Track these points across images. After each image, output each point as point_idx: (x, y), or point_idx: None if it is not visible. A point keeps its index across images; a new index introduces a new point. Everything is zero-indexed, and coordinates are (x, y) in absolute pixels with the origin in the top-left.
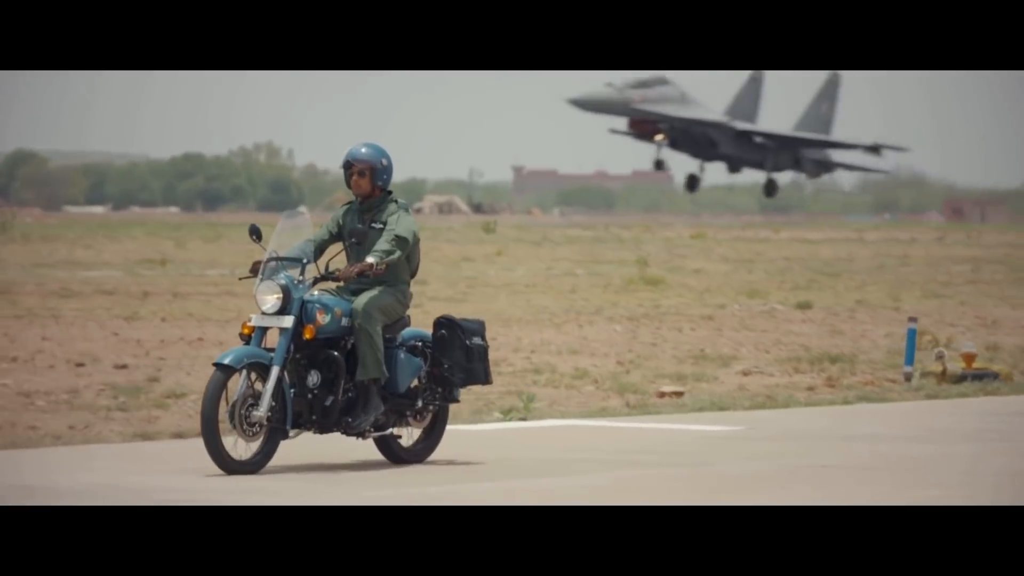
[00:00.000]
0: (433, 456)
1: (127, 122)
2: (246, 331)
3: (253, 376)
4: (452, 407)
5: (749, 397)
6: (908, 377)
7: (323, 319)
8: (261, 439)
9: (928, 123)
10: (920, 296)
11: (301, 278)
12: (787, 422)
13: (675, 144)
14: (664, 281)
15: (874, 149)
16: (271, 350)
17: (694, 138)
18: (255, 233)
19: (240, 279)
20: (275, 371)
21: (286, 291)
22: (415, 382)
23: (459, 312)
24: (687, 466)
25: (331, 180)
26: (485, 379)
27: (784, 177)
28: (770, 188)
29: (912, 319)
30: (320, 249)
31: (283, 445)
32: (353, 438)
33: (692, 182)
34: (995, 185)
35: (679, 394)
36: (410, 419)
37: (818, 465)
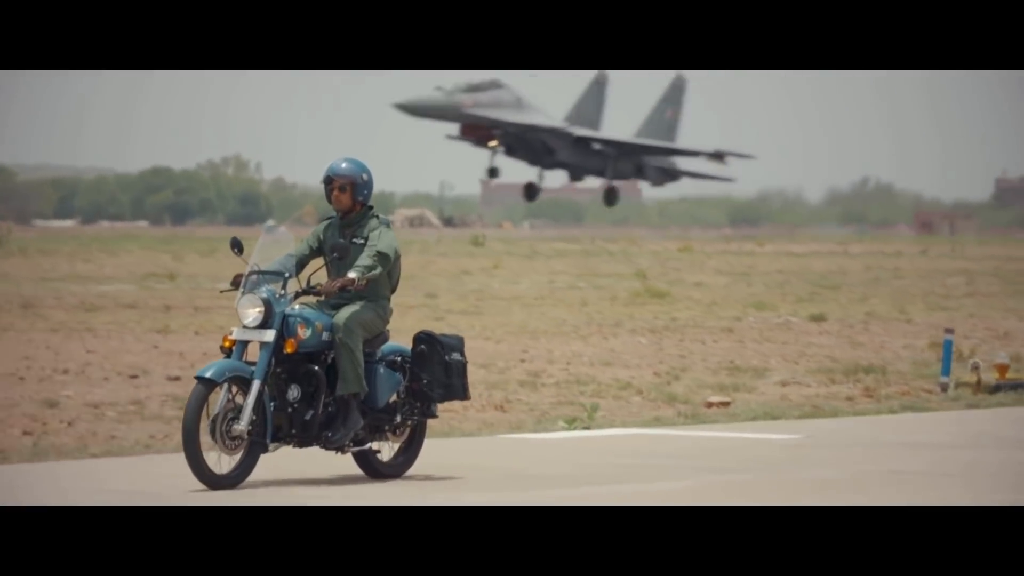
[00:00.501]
0: (411, 470)
1: (93, 135)
2: (227, 344)
3: (234, 390)
4: (514, 419)
5: (795, 407)
6: (944, 387)
7: (304, 333)
8: (241, 453)
9: (891, 135)
10: (925, 309)
11: (283, 292)
12: (843, 430)
13: (511, 151)
14: (670, 294)
15: (718, 156)
16: (252, 363)
17: (530, 145)
18: (236, 246)
19: (221, 292)
20: (256, 385)
21: (268, 305)
22: (394, 397)
23: (481, 325)
24: (766, 471)
25: (299, 193)
26: (463, 395)
27: (751, 190)
28: (610, 197)
29: (948, 331)
30: (301, 263)
31: (262, 458)
32: (332, 452)
33: (531, 191)
34: (961, 197)
35: (726, 404)
36: (389, 434)
37: (890, 471)
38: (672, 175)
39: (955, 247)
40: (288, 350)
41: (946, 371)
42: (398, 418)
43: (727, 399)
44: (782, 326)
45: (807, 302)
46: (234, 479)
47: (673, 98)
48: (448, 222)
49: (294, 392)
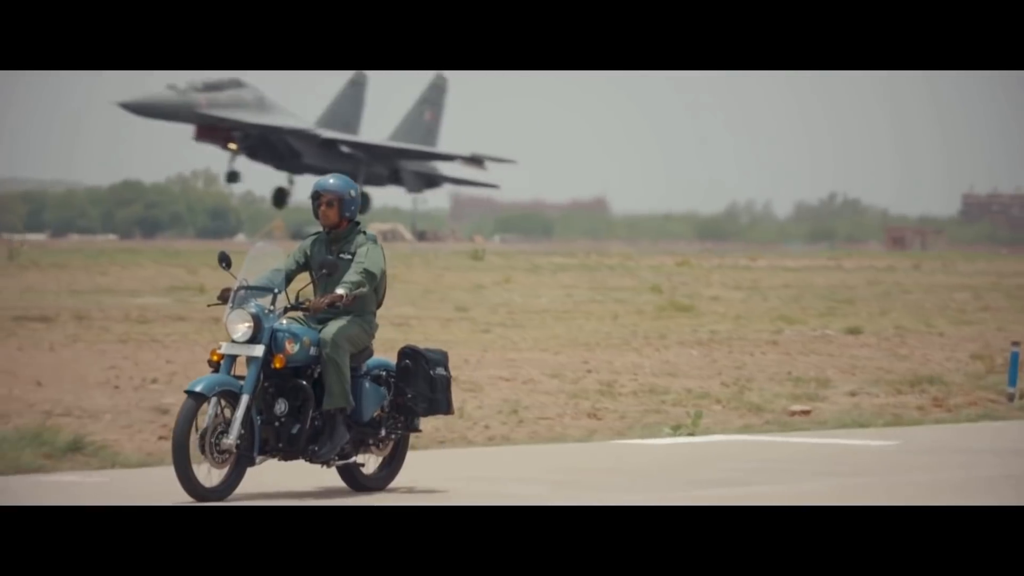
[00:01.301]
0: (394, 483)
1: (63, 148)
2: (215, 358)
3: (223, 403)
4: (613, 426)
5: (876, 416)
6: (1011, 397)
7: (292, 348)
8: (229, 466)
9: (856, 150)
10: (949, 323)
11: (271, 307)
12: (935, 438)
13: (254, 154)
14: (694, 308)
15: (476, 161)
16: (240, 378)
17: (274, 147)
18: (224, 261)
19: (209, 306)
20: (245, 399)
21: (257, 320)
22: (378, 411)
23: (533, 338)
24: (888, 474)
25: (268, 207)
26: (447, 409)
27: (718, 205)
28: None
29: (1015, 344)
30: (288, 278)
31: (248, 471)
32: (316, 465)
33: (280, 196)
34: (927, 212)
35: (807, 413)
36: (373, 447)
37: (1004, 476)
38: (432, 181)
39: (946, 263)
40: (276, 365)
41: (1013, 382)
42: (382, 432)
43: (808, 408)
44: (820, 339)
45: (829, 316)
46: (222, 492)
47: (433, 99)
48: (421, 236)
49: (281, 406)
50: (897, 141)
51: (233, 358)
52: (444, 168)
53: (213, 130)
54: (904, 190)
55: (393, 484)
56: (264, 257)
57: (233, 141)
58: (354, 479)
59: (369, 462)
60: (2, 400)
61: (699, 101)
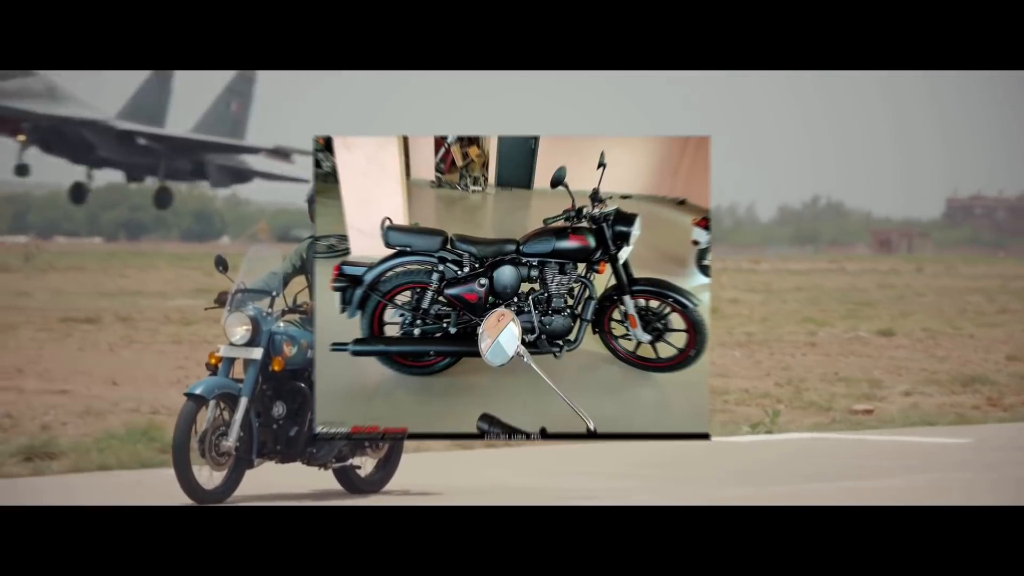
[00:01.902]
0: (389, 485)
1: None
2: (213, 361)
3: (222, 406)
4: None
5: (940, 415)
6: None
7: (290, 351)
8: (227, 469)
9: (839, 152)
10: (975, 325)
11: (269, 310)
12: (1009, 436)
13: (47, 146)
14: (719, 310)
15: (283, 154)
16: (239, 380)
17: (67, 139)
18: (221, 264)
19: (206, 309)
20: (244, 402)
21: (255, 323)
22: None
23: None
24: (983, 470)
25: (254, 210)
26: None
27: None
28: (161, 198)
29: None
30: (285, 281)
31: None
32: (313, 468)
33: (77, 192)
34: (911, 216)
35: (869, 412)
36: (368, 450)
37: None
38: (240, 176)
39: (948, 266)
40: (275, 368)
41: None
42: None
43: (870, 407)
44: (855, 340)
45: (852, 318)
46: (221, 494)
47: (240, 90)
48: None
49: (279, 409)
50: (880, 144)
51: (232, 361)
52: (254, 163)
53: None
54: (887, 193)
55: (388, 486)
56: (261, 260)
57: (21, 132)
58: (350, 481)
59: (365, 464)
60: (85, 399)
61: (684, 102)
